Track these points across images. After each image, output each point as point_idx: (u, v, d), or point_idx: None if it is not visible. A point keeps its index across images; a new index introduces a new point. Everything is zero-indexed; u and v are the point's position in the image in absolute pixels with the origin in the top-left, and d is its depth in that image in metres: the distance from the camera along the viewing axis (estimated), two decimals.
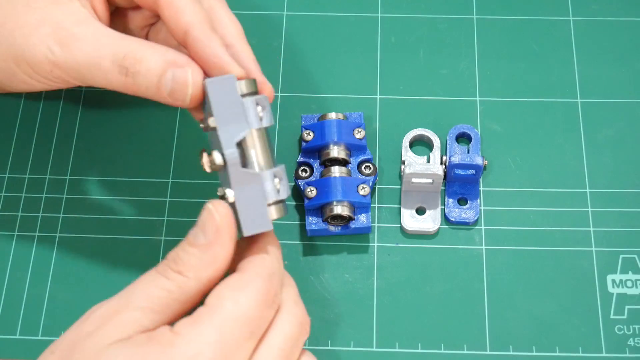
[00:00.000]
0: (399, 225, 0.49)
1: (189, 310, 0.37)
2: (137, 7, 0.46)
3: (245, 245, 0.40)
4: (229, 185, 0.38)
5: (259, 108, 0.39)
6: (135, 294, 0.36)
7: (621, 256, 0.48)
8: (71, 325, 0.36)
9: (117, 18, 0.46)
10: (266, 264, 0.38)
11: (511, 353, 0.46)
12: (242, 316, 0.36)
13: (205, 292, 0.38)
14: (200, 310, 0.36)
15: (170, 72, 0.39)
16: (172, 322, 0.37)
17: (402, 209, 0.49)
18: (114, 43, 0.40)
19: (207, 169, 0.39)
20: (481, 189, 0.50)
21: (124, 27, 0.46)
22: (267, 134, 0.40)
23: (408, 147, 0.51)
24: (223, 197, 0.38)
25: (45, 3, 0.41)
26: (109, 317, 0.36)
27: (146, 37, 0.48)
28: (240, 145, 0.38)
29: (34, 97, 0.53)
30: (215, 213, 0.37)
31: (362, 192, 0.47)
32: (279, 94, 0.53)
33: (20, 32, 0.41)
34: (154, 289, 0.36)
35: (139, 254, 0.49)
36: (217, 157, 0.38)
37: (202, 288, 0.37)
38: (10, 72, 0.42)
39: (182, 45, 0.42)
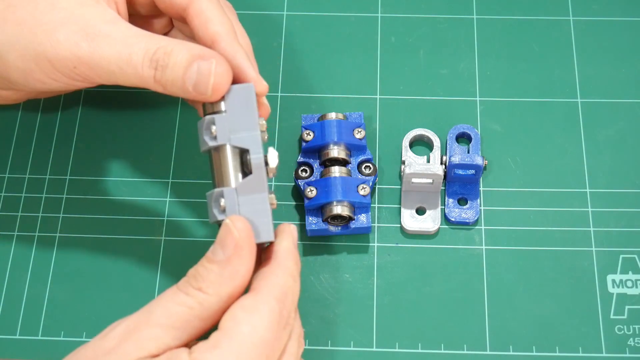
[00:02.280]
0: (399, 225, 0.49)
1: (210, 327, 0.37)
2: (154, 16, 0.46)
3: (259, 261, 0.39)
4: (261, 191, 0.39)
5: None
6: (156, 311, 0.36)
7: (621, 256, 0.48)
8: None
9: (135, 25, 0.46)
10: (279, 282, 0.37)
11: (511, 353, 0.46)
12: (259, 340, 0.35)
13: (227, 307, 0.37)
14: (217, 334, 0.35)
15: (195, 65, 0.39)
16: (193, 339, 0.36)
17: (402, 209, 0.49)
18: (145, 39, 0.40)
19: (272, 174, 0.40)
20: (481, 189, 0.50)
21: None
22: None
23: (408, 147, 0.51)
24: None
25: (70, 3, 0.40)
26: (129, 334, 0.35)
27: None
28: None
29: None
30: (233, 228, 0.37)
31: (362, 192, 0.47)
32: (279, 94, 0.53)
33: (43, 30, 0.40)
34: (175, 305, 0.36)
35: (139, 254, 0.49)
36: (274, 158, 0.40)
37: (223, 304, 0.37)
38: (28, 71, 0.41)
39: None
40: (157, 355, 0.35)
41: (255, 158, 0.38)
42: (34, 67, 0.41)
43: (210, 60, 0.39)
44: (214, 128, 0.39)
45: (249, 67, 0.41)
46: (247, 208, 0.38)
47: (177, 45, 0.40)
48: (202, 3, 0.42)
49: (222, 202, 0.38)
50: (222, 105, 0.40)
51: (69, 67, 0.40)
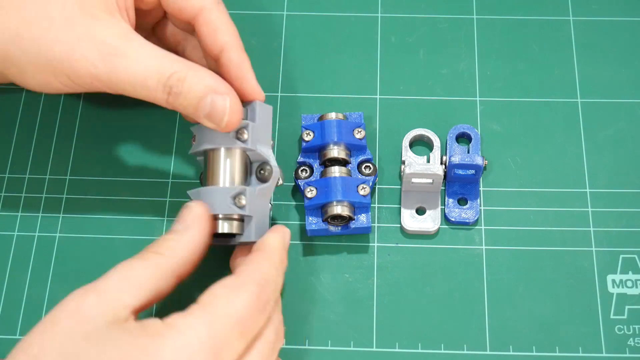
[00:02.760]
0: (399, 225, 0.49)
1: (168, 292, 0.38)
2: (153, 9, 0.47)
3: (247, 252, 0.42)
4: (268, 198, 0.44)
5: None
6: (112, 276, 0.37)
7: (621, 256, 0.48)
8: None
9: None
10: (263, 270, 0.39)
11: (511, 353, 0.46)
12: (234, 315, 0.36)
13: (181, 273, 0.39)
14: (193, 305, 0.37)
15: (209, 97, 0.41)
16: (152, 301, 0.38)
17: (402, 209, 0.49)
18: (159, 61, 0.41)
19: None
20: (481, 189, 0.50)
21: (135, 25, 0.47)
22: None
23: (408, 147, 0.51)
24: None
25: (85, 19, 0.41)
26: (86, 295, 0.36)
27: (152, 32, 0.49)
28: None
29: (34, 96, 0.53)
30: (194, 207, 0.41)
31: (362, 192, 0.47)
32: (279, 94, 0.53)
33: (61, 48, 0.40)
34: (130, 269, 0.38)
35: None
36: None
37: (177, 267, 0.38)
38: (46, 82, 0.42)
39: (213, 59, 0.44)
40: (125, 320, 0.36)
41: (276, 171, 0.43)
42: (53, 79, 0.42)
43: (225, 96, 0.41)
44: (245, 132, 0.43)
45: (252, 78, 0.44)
46: (256, 209, 0.43)
47: (190, 71, 0.41)
48: (211, 12, 0.43)
49: (243, 199, 0.42)
50: (253, 116, 0.44)
51: (86, 83, 0.41)
